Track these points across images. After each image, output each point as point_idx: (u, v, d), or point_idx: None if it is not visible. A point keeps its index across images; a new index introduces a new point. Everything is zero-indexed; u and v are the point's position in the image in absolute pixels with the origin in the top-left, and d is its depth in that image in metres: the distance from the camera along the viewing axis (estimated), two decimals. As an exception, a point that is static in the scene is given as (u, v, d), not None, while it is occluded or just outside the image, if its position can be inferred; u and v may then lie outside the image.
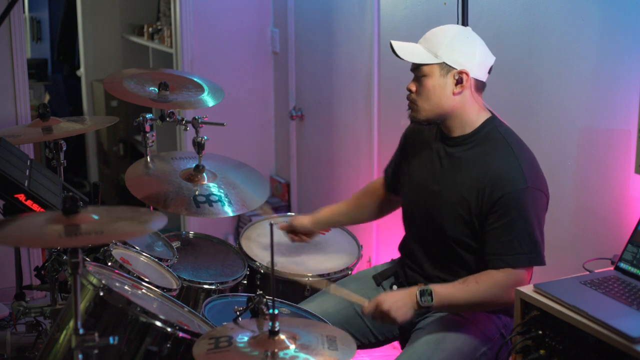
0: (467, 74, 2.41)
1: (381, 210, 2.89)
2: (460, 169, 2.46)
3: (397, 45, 2.44)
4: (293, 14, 4.48)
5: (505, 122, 2.53)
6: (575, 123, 2.83)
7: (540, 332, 2.22)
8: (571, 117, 2.84)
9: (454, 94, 2.42)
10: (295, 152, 4.64)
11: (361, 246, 3.11)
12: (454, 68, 2.40)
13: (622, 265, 2.36)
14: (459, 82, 2.41)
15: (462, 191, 2.43)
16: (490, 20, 3.11)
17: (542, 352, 2.21)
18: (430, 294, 2.36)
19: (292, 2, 4.46)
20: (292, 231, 2.93)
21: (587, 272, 2.40)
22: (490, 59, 2.50)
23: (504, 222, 2.36)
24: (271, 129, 4.85)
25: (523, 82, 3.02)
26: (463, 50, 2.42)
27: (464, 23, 2.87)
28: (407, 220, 2.66)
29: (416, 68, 2.44)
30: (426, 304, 2.36)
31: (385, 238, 3.89)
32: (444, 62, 2.40)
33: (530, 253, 2.37)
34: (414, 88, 2.46)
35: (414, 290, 2.37)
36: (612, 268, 2.39)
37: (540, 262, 2.40)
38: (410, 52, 2.44)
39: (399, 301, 2.37)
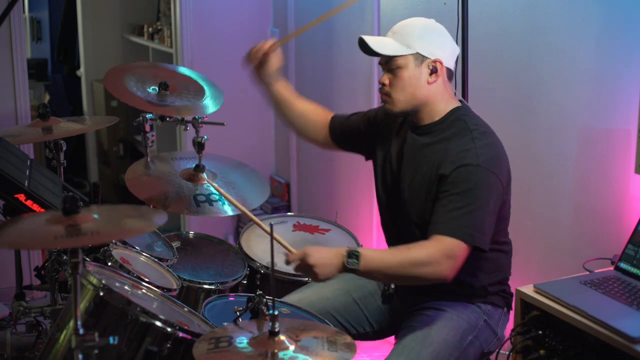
0: (441, 63, 2.44)
1: (308, 128, 2.83)
2: (424, 155, 2.47)
3: (370, 39, 2.45)
4: (293, 14, 4.47)
5: (472, 112, 2.52)
6: (575, 123, 2.83)
7: (540, 332, 2.23)
8: (571, 117, 2.84)
9: (428, 83, 2.44)
10: (295, 152, 4.64)
11: (361, 246, 3.11)
12: (428, 58, 2.43)
13: (622, 265, 2.36)
14: (434, 71, 2.44)
15: (423, 176, 2.44)
16: (490, 20, 3.11)
17: (542, 352, 2.22)
18: (358, 257, 2.28)
19: (292, 2, 4.46)
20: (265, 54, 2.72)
21: (587, 272, 2.40)
22: (457, 49, 2.54)
23: (450, 194, 2.33)
24: (271, 129, 4.85)
25: (523, 82, 3.02)
26: (435, 40, 2.45)
27: (464, 23, 2.87)
28: (382, 211, 2.66)
29: (389, 61, 2.45)
30: (352, 266, 2.28)
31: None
32: (417, 52, 2.42)
33: (466, 228, 2.29)
34: (387, 81, 2.46)
35: (342, 251, 2.29)
36: (612, 268, 2.39)
37: (478, 241, 2.29)
38: (383, 44, 2.45)
39: (325, 258, 2.28)
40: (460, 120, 2.46)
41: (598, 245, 2.74)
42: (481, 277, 2.48)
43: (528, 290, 2.28)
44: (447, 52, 2.46)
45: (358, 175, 4.00)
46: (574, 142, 2.84)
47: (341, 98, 4.18)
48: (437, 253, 2.27)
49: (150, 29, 5.17)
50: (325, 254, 2.29)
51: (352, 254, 2.27)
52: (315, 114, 2.84)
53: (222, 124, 3.04)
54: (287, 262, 2.32)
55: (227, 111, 3.16)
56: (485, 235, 2.32)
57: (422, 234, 2.43)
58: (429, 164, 2.43)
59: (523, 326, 2.26)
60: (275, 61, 2.76)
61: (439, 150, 2.43)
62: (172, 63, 4.60)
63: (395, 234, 2.60)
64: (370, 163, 2.73)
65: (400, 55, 2.42)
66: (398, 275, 2.33)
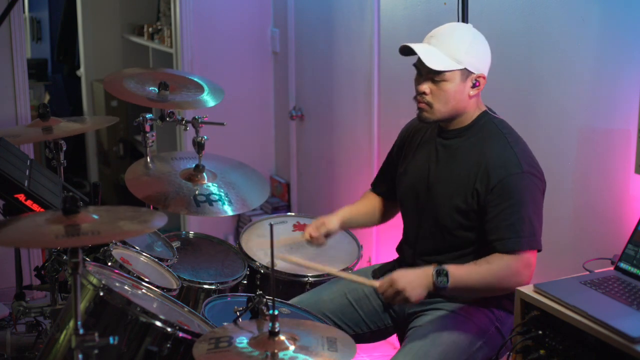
0: (484, 78, 2.46)
1: (384, 215, 2.87)
2: (456, 160, 2.50)
3: (420, 49, 2.41)
4: (293, 14, 4.47)
5: (499, 115, 2.55)
6: (575, 123, 2.83)
7: (540, 332, 2.22)
8: (571, 117, 2.84)
9: (469, 96, 2.46)
10: (295, 152, 4.64)
11: (361, 246, 3.11)
12: (473, 73, 2.44)
13: (622, 265, 2.36)
14: (476, 85, 2.45)
15: (458, 181, 2.46)
16: (490, 20, 3.11)
17: (542, 352, 2.21)
18: (447, 274, 2.34)
19: (292, 2, 4.46)
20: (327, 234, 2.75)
21: (587, 272, 2.40)
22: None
23: (504, 207, 2.38)
24: (271, 129, 4.85)
25: (523, 82, 3.02)
26: (480, 55, 2.46)
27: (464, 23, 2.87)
28: (405, 215, 2.67)
29: (433, 71, 2.41)
30: (442, 284, 2.34)
31: (385, 238, 3.88)
32: (465, 68, 2.42)
33: (530, 237, 2.39)
34: (428, 90, 2.44)
35: (430, 271, 2.35)
36: (612, 268, 2.39)
37: (539, 246, 2.41)
38: (434, 58, 2.41)
39: (414, 281, 2.34)
40: (490, 123, 2.50)
41: (598, 245, 2.74)
42: None
43: (528, 290, 2.28)
44: (488, 63, 2.49)
45: (358, 176, 4.00)
46: (574, 142, 2.84)
47: (341, 98, 4.18)
48: (517, 264, 2.37)
49: (150, 29, 5.17)
50: (412, 276, 2.36)
51: (441, 272, 2.34)
52: (373, 204, 2.83)
53: (222, 124, 3.05)
54: (377, 292, 2.41)
55: (227, 111, 3.16)
56: (539, 235, 2.43)
57: (452, 238, 2.48)
58: (465, 170, 2.46)
59: (523, 326, 2.26)
60: (332, 226, 2.73)
61: (475, 151, 2.46)
62: (172, 63, 4.61)
63: (424, 240, 2.58)
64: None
65: (450, 71, 2.41)
66: (482, 289, 2.41)
